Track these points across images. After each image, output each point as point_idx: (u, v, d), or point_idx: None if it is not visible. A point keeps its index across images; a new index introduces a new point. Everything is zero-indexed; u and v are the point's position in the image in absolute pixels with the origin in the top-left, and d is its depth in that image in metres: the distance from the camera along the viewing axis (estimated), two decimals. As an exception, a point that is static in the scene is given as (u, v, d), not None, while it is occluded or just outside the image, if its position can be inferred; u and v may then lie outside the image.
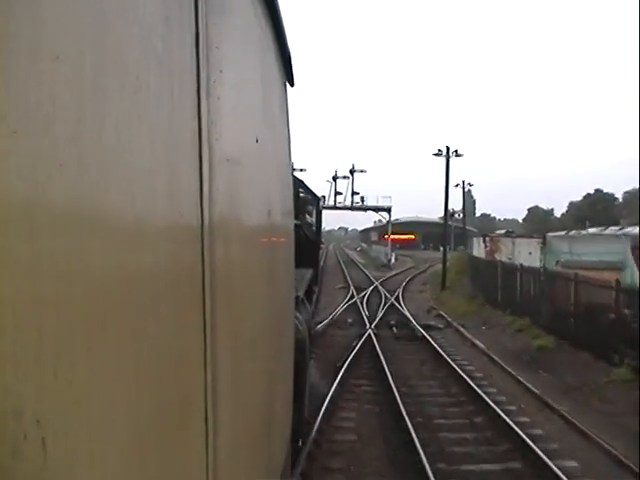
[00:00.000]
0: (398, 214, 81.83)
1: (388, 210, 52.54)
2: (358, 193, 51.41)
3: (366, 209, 52.73)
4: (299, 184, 10.20)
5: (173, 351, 1.20)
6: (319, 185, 62.97)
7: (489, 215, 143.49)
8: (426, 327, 18.15)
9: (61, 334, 0.75)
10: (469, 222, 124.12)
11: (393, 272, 42.78)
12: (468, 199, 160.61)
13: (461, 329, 18.19)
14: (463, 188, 53.16)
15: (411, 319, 19.60)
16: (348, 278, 34.89)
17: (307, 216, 11.52)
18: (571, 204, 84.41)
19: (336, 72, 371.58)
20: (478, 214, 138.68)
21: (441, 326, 19.06)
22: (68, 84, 0.78)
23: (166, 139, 1.17)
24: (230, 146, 1.79)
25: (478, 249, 27.59)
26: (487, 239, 25.03)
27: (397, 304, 23.70)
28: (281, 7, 2.82)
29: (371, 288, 29.34)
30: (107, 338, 0.88)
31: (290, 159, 3.97)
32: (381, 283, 32.52)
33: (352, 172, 51.11)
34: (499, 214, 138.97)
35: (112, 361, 0.90)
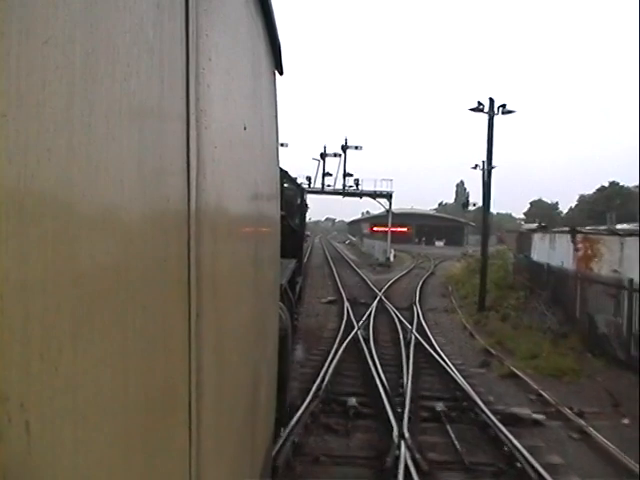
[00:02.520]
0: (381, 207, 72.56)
1: (389, 196, 42.11)
2: (352, 175, 41.36)
3: (362, 195, 42.30)
4: (283, 174, 9.16)
5: (158, 338, 1.20)
6: (303, 164, 52.89)
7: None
8: (512, 420, 8.66)
9: (48, 320, 0.75)
10: (462, 216, 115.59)
11: (395, 274, 33.23)
12: (461, 191, 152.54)
13: (590, 430, 8.65)
14: (483, 170, 43.05)
15: (469, 391, 10.02)
16: (339, 284, 25.28)
17: (291, 207, 10.82)
18: (582, 197, 76.25)
19: (326, 34, 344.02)
20: (472, 208, 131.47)
21: (539, 417, 9.38)
22: (58, 69, 0.77)
23: (155, 126, 1.17)
24: (218, 133, 1.77)
25: (550, 252, 17.76)
26: (578, 237, 15.51)
27: (426, 343, 13.52)
28: None
29: (375, 304, 19.71)
30: (93, 324, 0.88)
31: (278, 148, 3.90)
32: (385, 293, 22.99)
33: (344, 149, 40.83)
34: (492, 208, 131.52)
35: (98, 347, 0.90)
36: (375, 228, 64.21)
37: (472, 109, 19.97)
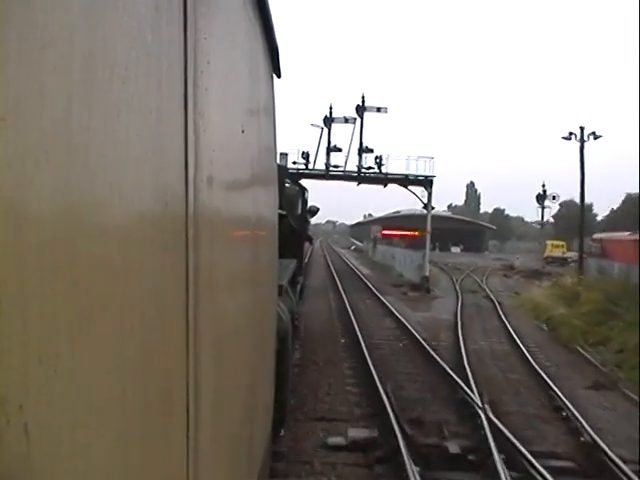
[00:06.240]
0: (397, 204, 58.55)
1: (428, 183, 25.96)
2: (372, 150, 25.70)
3: (387, 180, 26.32)
4: (285, 174, 9.86)
5: (156, 340, 1.20)
6: (299, 135, 37.94)
7: (503, 211, 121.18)
8: None
9: (46, 323, 0.75)
10: (475, 217, 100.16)
11: (443, 305, 20.69)
12: (471, 193, 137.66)
13: None
14: (582, 139, 28.76)
15: None
16: (366, 353, 11.31)
17: (291, 206, 10.73)
18: (629, 197, 63.32)
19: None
20: (489, 209, 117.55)
21: None
22: (57, 73, 0.77)
23: (153, 129, 1.17)
24: (216, 136, 1.78)
25: None
26: None
27: None
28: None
29: (500, 467, 6.19)
30: (92, 327, 0.88)
31: (275, 150, 3.96)
32: (481, 383, 9.56)
33: (361, 111, 25.73)
34: (509, 210, 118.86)
35: (96, 349, 0.89)
36: (387, 231, 50.59)
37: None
